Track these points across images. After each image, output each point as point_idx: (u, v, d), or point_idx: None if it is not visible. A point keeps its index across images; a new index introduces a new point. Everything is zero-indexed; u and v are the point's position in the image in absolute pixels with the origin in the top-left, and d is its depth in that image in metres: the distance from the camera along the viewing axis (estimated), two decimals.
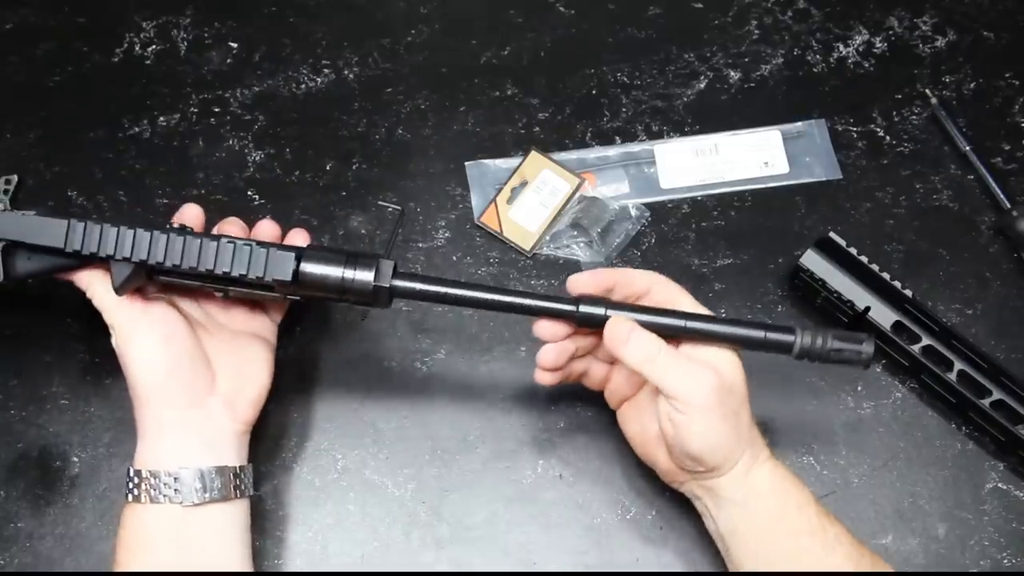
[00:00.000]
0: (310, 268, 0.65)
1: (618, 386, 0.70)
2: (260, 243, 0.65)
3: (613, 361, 0.70)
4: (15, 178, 0.66)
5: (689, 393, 0.62)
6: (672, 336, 0.65)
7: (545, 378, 0.69)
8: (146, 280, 0.65)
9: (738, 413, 0.64)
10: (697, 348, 0.65)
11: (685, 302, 0.67)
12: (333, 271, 0.64)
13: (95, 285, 0.66)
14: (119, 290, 0.64)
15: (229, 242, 0.64)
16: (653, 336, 0.64)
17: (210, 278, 0.65)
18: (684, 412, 0.62)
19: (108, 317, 0.66)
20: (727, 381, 0.63)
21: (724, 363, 0.64)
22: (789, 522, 0.64)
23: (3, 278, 0.65)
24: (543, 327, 0.67)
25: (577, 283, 0.67)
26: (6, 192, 0.65)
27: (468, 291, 0.65)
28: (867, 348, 0.64)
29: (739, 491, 0.64)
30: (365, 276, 0.64)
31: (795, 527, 0.64)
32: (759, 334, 0.65)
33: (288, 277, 0.64)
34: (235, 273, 0.64)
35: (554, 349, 0.67)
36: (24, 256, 0.65)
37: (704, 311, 0.66)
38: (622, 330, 0.64)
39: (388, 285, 0.65)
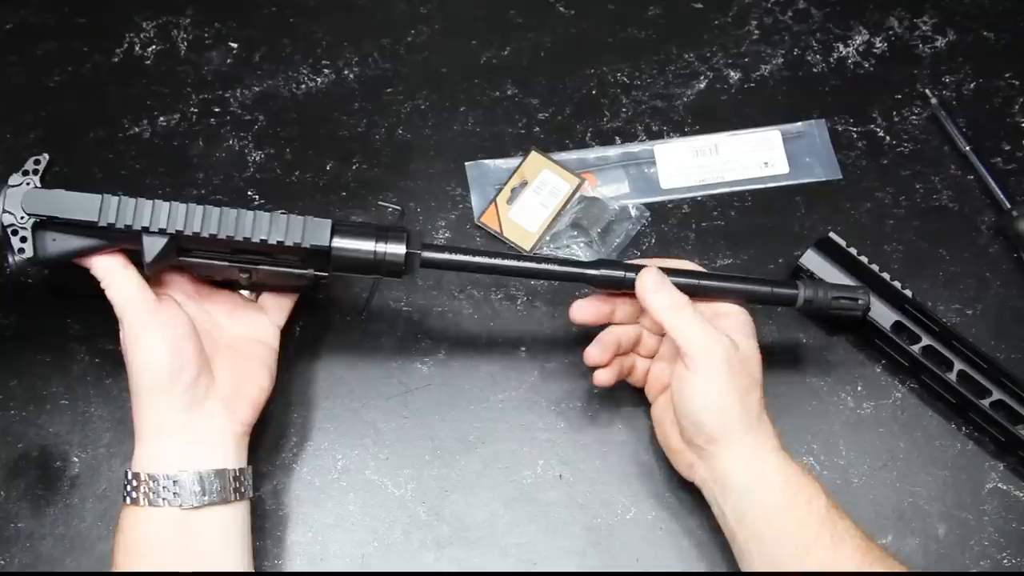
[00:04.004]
0: (341, 243, 0.66)
1: (657, 375, 0.73)
2: (294, 213, 0.66)
3: (651, 354, 0.73)
4: (46, 157, 0.66)
5: (702, 349, 0.65)
6: (688, 292, 0.68)
7: (601, 378, 0.71)
8: (175, 258, 0.66)
9: (748, 391, 0.66)
10: (722, 320, 0.68)
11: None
12: (365, 244, 0.66)
13: (114, 274, 0.66)
14: (150, 265, 0.64)
15: (264, 211, 0.65)
16: (680, 292, 0.68)
17: (242, 253, 0.65)
18: (692, 369, 0.65)
19: (120, 311, 0.66)
20: (743, 355, 0.66)
21: (744, 341, 0.67)
22: (798, 512, 0.64)
23: (32, 255, 0.64)
24: (578, 309, 0.70)
25: (577, 312, 0.71)
26: (35, 172, 0.65)
27: (490, 259, 0.69)
28: (864, 296, 0.71)
29: (745, 474, 0.65)
30: (397, 248, 0.66)
31: (804, 517, 0.63)
32: (766, 289, 0.71)
33: (326, 243, 0.65)
34: (272, 240, 0.64)
35: (597, 346, 0.71)
36: (51, 237, 0.65)
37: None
38: (654, 280, 0.68)
39: (419, 254, 0.67)
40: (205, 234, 0.64)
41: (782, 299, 0.71)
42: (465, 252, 0.69)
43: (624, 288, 0.69)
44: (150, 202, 0.64)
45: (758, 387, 0.67)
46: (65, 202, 0.64)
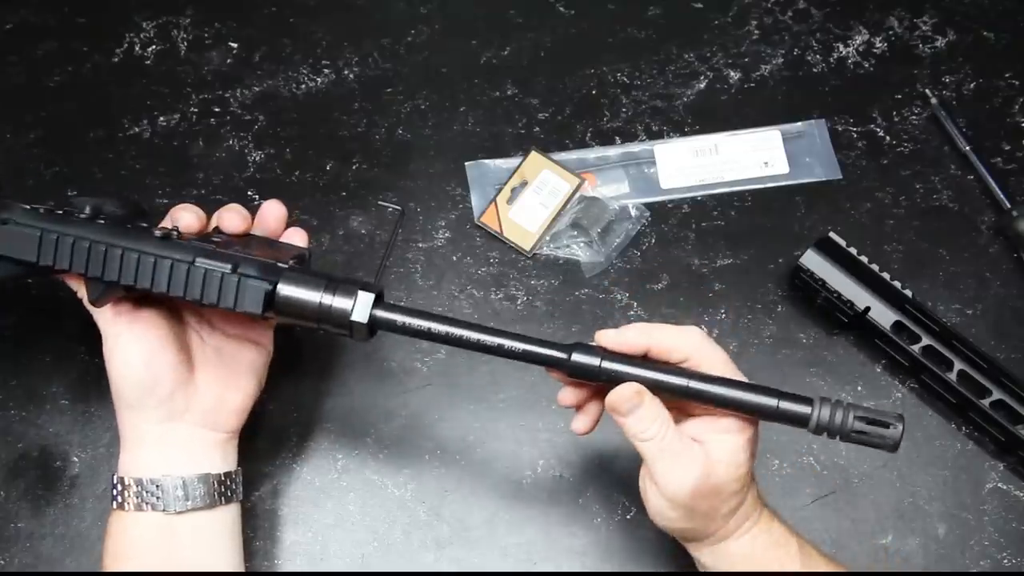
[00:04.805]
0: (287, 291, 0.61)
1: None
2: (239, 264, 0.61)
3: None
4: None
5: (666, 483, 0.59)
6: (674, 397, 0.60)
7: (578, 425, 0.64)
8: (121, 291, 0.63)
9: (716, 508, 0.59)
10: (704, 432, 0.60)
11: (725, 372, 0.61)
12: (311, 296, 0.60)
13: (84, 288, 0.65)
14: (95, 303, 0.63)
15: (201, 269, 0.61)
16: (657, 414, 0.59)
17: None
18: (654, 492, 0.60)
19: (97, 322, 0.65)
20: (714, 484, 0.59)
21: (723, 459, 0.59)
22: None
23: None
24: (566, 397, 0.63)
25: (605, 341, 0.61)
26: None
27: (455, 329, 0.60)
28: (893, 433, 0.57)
29: (709, 559, 0.62)
30: (343, 304, 0.60)
31: None
32: (771, 403, 0.58)
33: (258, 310, 0.60)
34: (205, 302, 0.61)
35: (571, 390, 0.63)
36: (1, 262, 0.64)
37: (740, 377, 0.61)
38: (627, 401, 0.59)
39: (366, 321, 0.60)
40: (140, 287, 0.61)
41: (790, 417, 0.59)
42: (425, 317, 0.61)
43: (602, 381, 0.60)
44: (87, 245, 0.62)
45: (735, 496, 0.60)
46: (4, 239, 0.63)
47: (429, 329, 0.60)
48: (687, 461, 0.59)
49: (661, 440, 0.59)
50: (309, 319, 0.61)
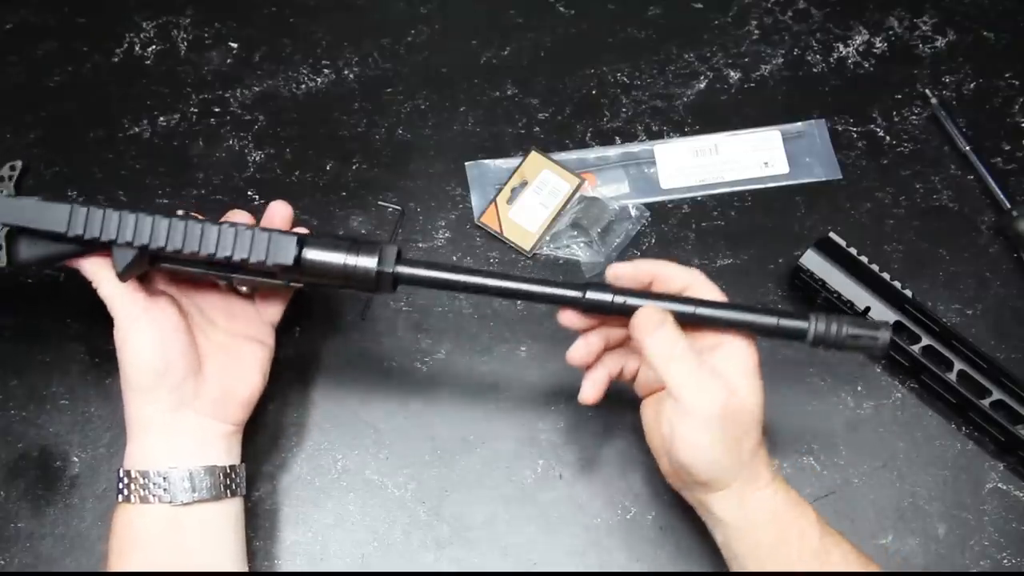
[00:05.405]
0: (312, 254, 0.64)
1: (646, 380, 0.68)
2: (263, 228, 0.65)
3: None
4: (19, 164, 0.66)
5: (695, 403, 0.60)
6: (683, 323, 0.63)
7: (587, 393, 0.67)
8: (149, 267, 0.65)
9: (740, 439, 0.61)
10: (721, 361, 0.63)
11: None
12: (336, 257, 0.64)
13: (101, 274, 0.65)
14: (122, 275, 0.64)
15: (231, 227, 0.64)
16: (680, 335, 0.62)
17: (213, 264, 0.65)
18: (684, 419, 0.61)
19: (111, 309, 0.65)
20: (739, 404, 0.61)
21: (743, 386, 0.62)
22: (788, 549, 0.62)
23: (6, 264, 0.64)
24: (566, 316, 0.66)
25: (616, 274, 0.65)
26: (10, 178, 0.65)
27: (472, 277, 0.64)
28: (883, 335, 0.63)
29: (733, 514, 0.63)
30: (368, 262, 0.64)
31: (794, 555, 0.62)
32: (771, 320, 0.63)
33: (289, 261, 0.63)
34: (236, 258, 0.64)
35: (583, 344, 0.66)
36: (28, 242, 0.64)
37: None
38: (652, 320, 0.62)
39: (391, 271, 0.64)
40: (170, 249, 0.63)
41: (790, 332, 0.63)
42: (445, 269, 0.65)
43: (615, 314, 0.64)
44: (117, 214, 0.63)
45: (755, 429, 0.62)
46: (34, 212, 0.64)
47: (448, 279, 0.64)
48: (711, 380, 0.61)
49: (686, 358, 0.61)
50: (335, 277, 0.64)
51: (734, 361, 0.63)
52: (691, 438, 0.61)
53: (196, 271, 0.66)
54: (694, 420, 0.61)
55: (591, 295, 0.64)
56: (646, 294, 0.64)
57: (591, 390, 0.67)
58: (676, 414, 0.61)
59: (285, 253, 0.64)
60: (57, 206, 0.64)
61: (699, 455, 0.61)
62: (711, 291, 0.65)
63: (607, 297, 0.64)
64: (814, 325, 0.63)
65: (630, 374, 0.69)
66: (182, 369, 0.65)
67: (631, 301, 0.64)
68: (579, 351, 0.66)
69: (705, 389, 0.61)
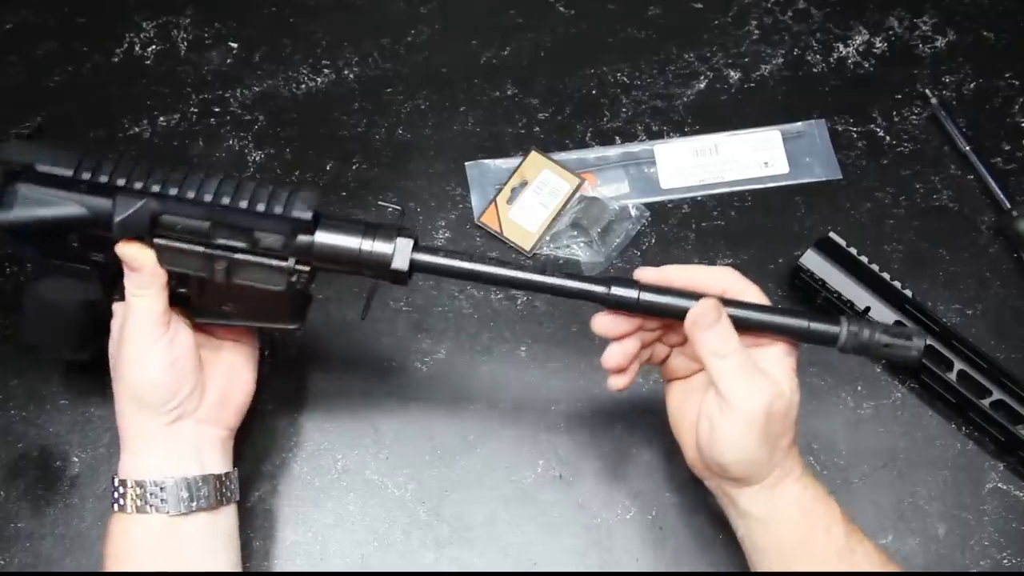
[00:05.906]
0: (324, 236, 0.61)
1: (676, 366, 0.67)
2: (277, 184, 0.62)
3: (674, 345, 0.67)
4: (38, 120, 0.66)
5: (742, 403, 0.59)
6: None
7: (617, 383, 0.65)
8: (147, 234, 0.61)
9: (780, 436, 0.61)
10: (767, 359, 0.62)
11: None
12: (351, 241, 0.61)
13: (152, 284, 0.63)
14: (118, 225, 0.61)
15: (250, 179, 0.61)
16: (734, 333, 0.60)
17: (221, 227, 0.61)
18: (728, 418, 0.60)
19: (137, 321, 0.63)
20: (783, 404, 0.60)
21: (787, 385, 0.61)
22: (814, 544, 0.62)
23: (8, 214, 0.61)
24: (602, 323, 0.63)
25: (645, 277, 0.63)
26: (29, 135, 0.65)
27: (493, 268, 0.62)
28: (918, 343, 0.60)
29: (760, 507, 0.62)
30: (384, 248, 0.61)
31: (820, 550, 0.61)
32: (802, 323, 0.61)
33: (308, 216, 0.60)
34: (256, 206, 0.60)
35: (619, 350, 0.64)
36: (25, 194, 0.61)
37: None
38: (710, 316, 0.60)
39: (406, 269, 0.61)
40: (185, 195, 0.60)
41: (819, 337, 0.61)
42: (464, 257, 0.62)
43: (639, 312, 0.62)
44: (130, 159, 0.62)
45: (793, 427, 0.62)
46: (44, 152, 0.62)
47: (467, 269, 0.62)
48: (759, 379, 0.60)
49: (738, 356, 0.60)
50: (348, 260, 0.61)
51: (778, 360, 0.62)
52: (733, 437, 0.60)
53: (195, 250, 0.62)
54: (739, 419, 0.60)
55: (616, 291, 0.61)
56: (667, 290, 0.62)
57: (624, 381, 0.65)
58: (720, 412, 0.60)
59: (304, 205, 0.60)
60: (67, 152, 0.62)
61: (740, 455, 0.61)
62: (747, 287, 0.63)
63: (632, 294, 0.61)
64: (845, 330, 0.61)
65: (658, 359, 0.68)
66: (190, 386, 0.65)
67: (657, 300, 0.61)
68: (615, 357, 0.64)
69: (755, 390, 0.60)
